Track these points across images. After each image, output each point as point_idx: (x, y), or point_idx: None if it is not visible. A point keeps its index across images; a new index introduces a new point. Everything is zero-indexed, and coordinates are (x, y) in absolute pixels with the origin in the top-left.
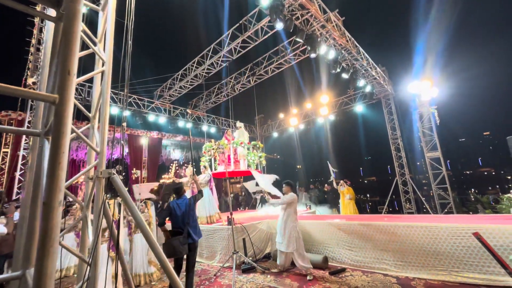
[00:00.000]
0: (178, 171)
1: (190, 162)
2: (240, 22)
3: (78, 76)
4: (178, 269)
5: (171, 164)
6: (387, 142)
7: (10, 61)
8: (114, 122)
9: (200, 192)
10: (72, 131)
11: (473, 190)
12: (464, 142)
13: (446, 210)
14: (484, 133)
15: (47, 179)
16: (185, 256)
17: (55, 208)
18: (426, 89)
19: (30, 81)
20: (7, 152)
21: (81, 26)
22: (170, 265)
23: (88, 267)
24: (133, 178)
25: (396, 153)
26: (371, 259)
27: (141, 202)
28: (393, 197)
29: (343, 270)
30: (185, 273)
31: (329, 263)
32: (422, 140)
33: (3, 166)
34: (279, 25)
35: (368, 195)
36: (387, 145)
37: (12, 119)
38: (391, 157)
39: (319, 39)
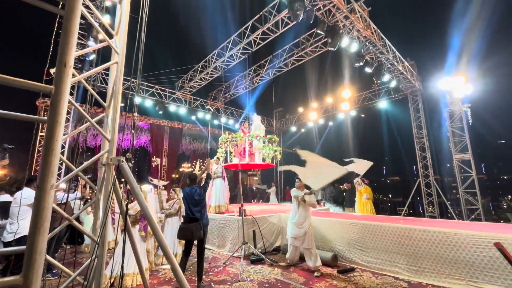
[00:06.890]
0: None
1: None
2: (260, 13)
3: (96, 66)
4: (188, 251)
5: (195, 161)
6: (412, 141)
7: (38, 50)
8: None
9: (208, 176)
10: (86, 120)
11: (510, 197)
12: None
13: (473, 217)
14: None
15: (40, 164)
16: (195, 242)
17: (47, 191)
18: (459, 85)
19: (52, 71)
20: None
21: (78, 21)
22: (172, 254)
23: (97, 246)
24: (153, 166)
25: (420, 153)
26: (382, 260)
27: (171, 190)
28: (418, 199)
29: (352, 269)
30: (196, 257)
31: (338, 262)
32: (451, 140)
33: (40, 149)
34: (295, 18)
35: (390, 195)
36: (412, 144)
37: (49, 106)
38: (416, 157)
39: (341, 31)
